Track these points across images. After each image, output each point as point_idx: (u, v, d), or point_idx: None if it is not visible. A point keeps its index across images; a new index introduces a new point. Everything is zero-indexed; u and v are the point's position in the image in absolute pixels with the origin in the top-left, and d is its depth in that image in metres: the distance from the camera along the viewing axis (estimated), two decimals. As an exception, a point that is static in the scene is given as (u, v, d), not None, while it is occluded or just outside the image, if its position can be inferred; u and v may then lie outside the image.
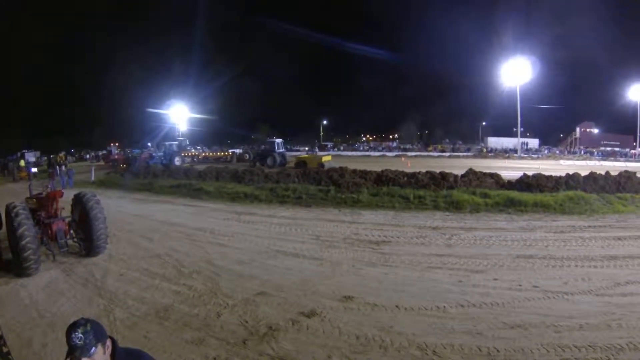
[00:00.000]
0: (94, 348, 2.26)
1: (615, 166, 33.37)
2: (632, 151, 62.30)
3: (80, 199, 10.35)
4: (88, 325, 2.29)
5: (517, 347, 5.53)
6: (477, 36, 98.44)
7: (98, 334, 2.31)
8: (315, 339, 5.96)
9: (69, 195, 11.34)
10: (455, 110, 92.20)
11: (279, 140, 42.70)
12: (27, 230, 8.70)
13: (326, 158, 38.75)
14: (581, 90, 79.18)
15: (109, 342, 2.41)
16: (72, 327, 2.27)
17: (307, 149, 78.24)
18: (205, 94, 78.33)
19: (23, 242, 8.55)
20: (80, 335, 2.24)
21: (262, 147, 45.36)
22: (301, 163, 36.30)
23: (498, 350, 5.48)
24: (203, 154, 54.98)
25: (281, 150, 41.98)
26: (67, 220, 10.52)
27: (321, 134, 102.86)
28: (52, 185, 19.67)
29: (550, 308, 6.78)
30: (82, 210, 10.25)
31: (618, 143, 69.18)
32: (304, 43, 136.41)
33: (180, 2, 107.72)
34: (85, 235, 10.30)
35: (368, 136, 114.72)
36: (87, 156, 69.29)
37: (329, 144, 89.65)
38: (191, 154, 53.20)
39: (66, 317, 6.63)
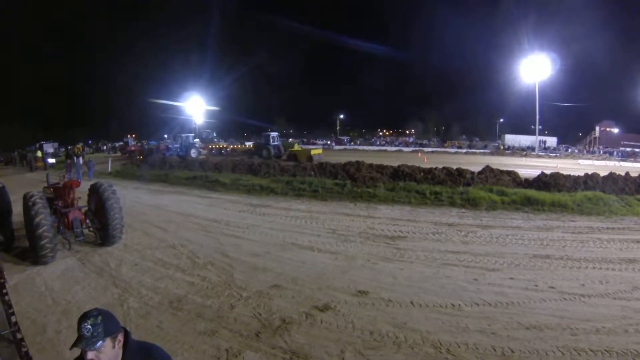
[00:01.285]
0: (101, 342, 2.21)
1: (635, 167, 32.73)
2: (653, 152, 61.14)
3: (96, 189, 10.49)
4: (99, 318, 2.25)
5: (532, 349, 5.48)
6: (496, 32, 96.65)
7: (109, 326, 2.27)
8: (328, 334, 5.96)
9: (86, 185, 11.48)
10: (473, 106, 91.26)
11: (273, 134, 44.69)
12: (44, 219, 8.83)
13: (315, 151, 39.72)
14: (601, 89, 77.71)
15: (120, 336, 2.36)
16: (83, 318, 2.24)
17: (323, 142, 77.98)
18: (221, 87, 78.88)
19: (40, 231, 8.69)
20: (89, 327, 2.20)
21: (259, 140, 46.99)
22: (292, 156, 38.34)
23: (512, 351, 5.43)
24: (231, 147, 55.09)
25: (276, 143, 43.57)
26: (83, 209, 10.67)
27: (337, 127, 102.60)
28: (69, 175, 19.93)
29: (566, 310, 6.69)
30: (98, 200, 10.39)
31: (639, 143, 67.84)
32: (321, 37, 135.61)
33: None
34: (101, 225, 10.44)
35: (385, 131, 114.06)
36: (104, 147, 70.03)
37: (346, 138, 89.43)
38: (219, 147, 53.23)
39: (81, 305, 6.76)
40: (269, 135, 44.05)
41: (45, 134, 64.14)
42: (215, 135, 73.33)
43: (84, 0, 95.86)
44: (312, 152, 38.89)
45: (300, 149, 44.34)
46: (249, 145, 54.18)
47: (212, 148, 52.26)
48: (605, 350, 5.45)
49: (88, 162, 25.34)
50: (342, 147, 74.57)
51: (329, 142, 78.17)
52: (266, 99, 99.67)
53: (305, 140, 73.19)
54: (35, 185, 14.76)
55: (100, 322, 2.23)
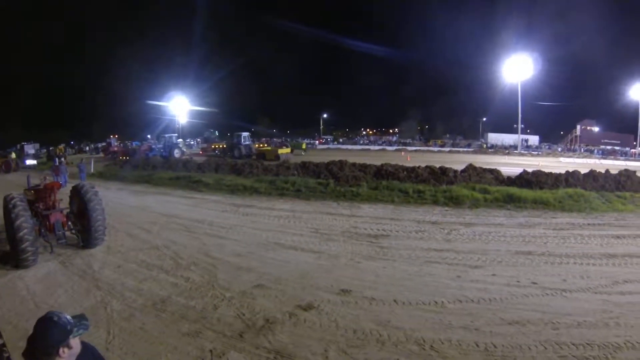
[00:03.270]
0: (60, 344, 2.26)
1: (615, 165, 33.35)
2: (632, 150, 62.12)
3: (78, 190, 10.33)
4: (57, 319, 2.30)
5: (514, 344, 5.52)
6: (480, 32, 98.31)
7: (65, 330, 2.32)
8: (312, 333, 5.95)
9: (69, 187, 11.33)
10: (456, 105, 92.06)
11: (245, 134, 46.41)
12: (25, 221, 8.69)
13: (283, 151, 41.37)
14: (582, 88, 78.94)
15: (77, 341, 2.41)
16: (41, 321, 2.29)
17: (307, 141, 78.24)
18: (205, 87, 78.34)
19: (20, 234, 8.54)
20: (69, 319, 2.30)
21: (231, 140, 48.29)
22: (261, 154, 40.32)
23: (495, 347, 5.47)
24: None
25: (247, 142, 45.45)
26: (65, 211, 10.50)
27: (321, 127, 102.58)
28: (56, 179, 19.63)
29: (548, 305, 6.77)
30: (80, 202, 10.23)
31: (618, 142, 68.88)
32: (306, 38, 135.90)
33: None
34: (83, 227, 10.28)
35: (368, 130, 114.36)
36: (87, 148, 69.21)
37: (329, 138, 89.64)
38: (222, 146, 52.97)
39: (63, 309, 6.38)
40: (241, 135, 45.52)
41: (26, 134, 63.27)
42: (217, 134, 73.03)
43: (67, 0, 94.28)
44: (280, 151, 40.40)
45: (268, 147, 46.26)
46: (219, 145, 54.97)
47: (214, 148, 52.69)
48: (587, 343, 5.52)
49: (79, 165, 24.68)
50: (325, 146, 74.64)
51: (312, 142, 78.05)
52: (251, 99, 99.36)
53: (289, 139, 73.11)
54: (15, 187, 14.44)
55: (81, 324, 2.35)
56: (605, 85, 71.46)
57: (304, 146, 55.26)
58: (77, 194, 10.33)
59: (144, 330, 6.09)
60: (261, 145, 53.89)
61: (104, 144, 65.66)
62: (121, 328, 6.14)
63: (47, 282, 8.19)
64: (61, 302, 7.13)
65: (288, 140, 65.89)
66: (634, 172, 18.31)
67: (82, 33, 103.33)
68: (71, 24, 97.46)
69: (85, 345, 2.54)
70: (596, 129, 75.30)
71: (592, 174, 17.86)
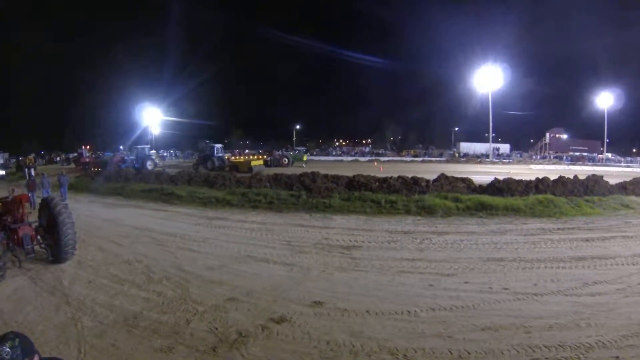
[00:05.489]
0: None
1: (583, 170, 34.03)
2: (600, 156, 64.30)
3: (47, 203, 10.03)
4: (16, 340, 2.24)
5: (487, 349, 5.53)
6: (451, 44, 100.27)
7: (26, 348, 2.27)
8: (285, 345, 5.87)
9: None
10: (429, 116, 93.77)
11: (218, 146, 46.19)
12: None
13: (255, 162, 41.40)
14: (551, 97, 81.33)
15: (36, 357, 2.34)
16: (1, 342, 2.21)
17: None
18: (178, 97, 77.83)
19: None
20: (8, 349, 2.18)
21: (204, 152, 47.64)
22: (234, 166, 39.66)
23: (469, 353, 5.46)
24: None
25: (220, 154, 45.16)
26: (34, 225, 10.15)
27: (294, 138, 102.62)
28: (32, 195, 19.04)
29: (520, 309, 6.83)
30: (49, 215, 9.91)
31: (586, 148, 71.15)
32: (278, 49, 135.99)
33: (153, 3, 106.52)
34: (52, 241, 9.93)
35: (341, 141, 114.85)
36: (57, 159, 67.80)
37: (302, 149, 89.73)
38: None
39: (33, 327, 6.45)
40: (213, 147, 45.35)
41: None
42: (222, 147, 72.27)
43: (38, 5, 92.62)
44: (252, 163, 40.38)
45: (240, 159, 45.70)
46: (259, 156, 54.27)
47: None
48: (559, 345, 5.59)
49: (60, 177, 23.52)
50: (256, 158, 74.28)
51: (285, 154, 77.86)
52: (224, 110, 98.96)
53: (261, 151, 72.90)
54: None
55: (18, 345, 2.22)
56: (573, 94, 73.86)
57: (304, 158, 55.05)
58: (47, 207, 10.01)
59: (115, 347, 5.92)
60: (256, 157, 53.23)
61: (75, 154, 64.07)
62: (92, 345, 5.95)
63: (16, 298, 7.89)
64: (30, 320, 6.87)
65: (290, 152, 65.45)
66: (601, 176, 18.87)
67: (53, 41, 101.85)
68: (41, 32, 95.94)
69: None
70: (565, 136, 77.52)
71: (561, 180, 18.25)
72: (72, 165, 51.69)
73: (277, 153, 56.79)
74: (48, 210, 9.94)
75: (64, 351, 5.62)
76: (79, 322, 6.74)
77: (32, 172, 28.15)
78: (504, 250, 10.46)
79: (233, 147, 79.52)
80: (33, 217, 10.67)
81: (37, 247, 10.01)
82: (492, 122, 67.77)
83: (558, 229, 12.60)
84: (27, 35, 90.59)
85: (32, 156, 54.97)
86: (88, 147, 76.50)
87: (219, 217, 15.65)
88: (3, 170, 38.63)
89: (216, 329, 6.41)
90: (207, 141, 64.89)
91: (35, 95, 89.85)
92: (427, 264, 9.41)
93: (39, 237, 10.09)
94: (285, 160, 50.21)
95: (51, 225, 9.89)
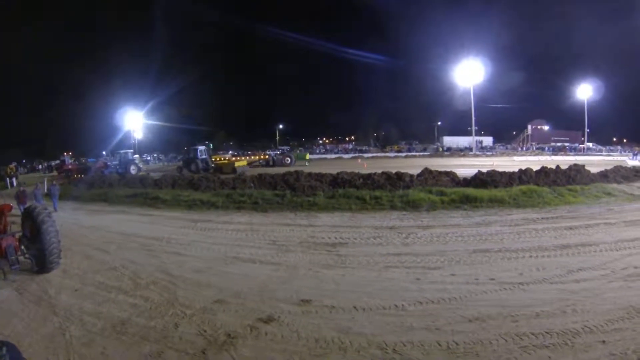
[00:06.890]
0: None
1: (565, 160, 34.51)
2: (581, 145, 65.26)
3: (30, 212, 9.82)
4: (4, 349, 2.17)
5: (476, 340, 5.56)
6: (433, 38, 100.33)
7: (14, 356, 2.21)
8: (274, 345, 5.86)
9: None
10: (412, 111, 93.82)
11: (201, 148, 45.57)
12: None
13: (239, 163, 41.55)
14: (532, 90, 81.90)
15: None
16: None
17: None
18: (160, 101, 76.84)
19: None
20: None
21: (188, 154, 47.50)
22: (218, 168, 39.71)
23: (457, 344, 5.49)
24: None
25: (204, 157, 44.50)
26: (17, 235, 9.95)
27: (277, 138, 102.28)
28: (22, 207, 18.62)
29: (507, 299, 6.89)
30: (32, 225, 9.68)
31: (567, 138, 72.14)
32: (260, 49, 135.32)
33: (136, 6, 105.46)
34: (37, 251, 9.73)
35: (325, 139, 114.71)
36: (40, 167, 66.70)
37: (286, 148, 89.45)
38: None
39: (21, 338, 6.33)
40: (197, 149, 44.72)
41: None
42: (211, 148, 71.73)
43: (15, 11, 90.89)
44: (237, 164, 40.39)
45: (225, 161, 45.10)
46: (261, 156, 54.01)
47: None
48: (546, 332, 5.65)
49: (51, 188, 22.86)
50: (240, 159, 74.03)
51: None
52: (207, 112, 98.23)
53: (244, 152, 72.59)
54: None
55: (5, 354, 2.17)
56: (553, 86, 74.61)
57: (307, 156, 54.42)
58: (30, 217, 9.80)
59: (104, 355, 5.85)
60: (257, 157, 52.63)
61: (57, 162, 63.21)
62: (81, 355, 5.88)
63: (1, 311, 7.74)
64: (17, 332, 6.74)
65: (291, 151, 65.09)
66: (583, 166, 19.16)
67: (34, 44, 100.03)
68: (20, 38, 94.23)
69: None
70: (546, 127, 78.45)
71: (543, 170, 18.45)
72: (55, 173, 50.91)
73: (278, 153, 56.64)
74: (31, 220, 9.73)
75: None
76: (66, 332, 6.65)
77: (14, 181, 27.52)
78: (489, 241, 10.55)
79: (218, 149, 78.87)
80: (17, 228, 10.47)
81: (21, 258, 9.79)
82: (475, 115, 68.32)
83: (542, 218, 12.73)
84: (3, 40, 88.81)
85: (13, 165, 53.98)
86: (70, 153, 75.36)
87: (204, 219, 15.54)
88: None
89: (205, 331, 6.37)
90: (207, 142, 64.45)
91: (14, 103, 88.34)
92: (414, 258, 9.44)
93: (22, 247, 9.89)
94: (287, 160, 49.61)
95: (35, 235, 9.67)
